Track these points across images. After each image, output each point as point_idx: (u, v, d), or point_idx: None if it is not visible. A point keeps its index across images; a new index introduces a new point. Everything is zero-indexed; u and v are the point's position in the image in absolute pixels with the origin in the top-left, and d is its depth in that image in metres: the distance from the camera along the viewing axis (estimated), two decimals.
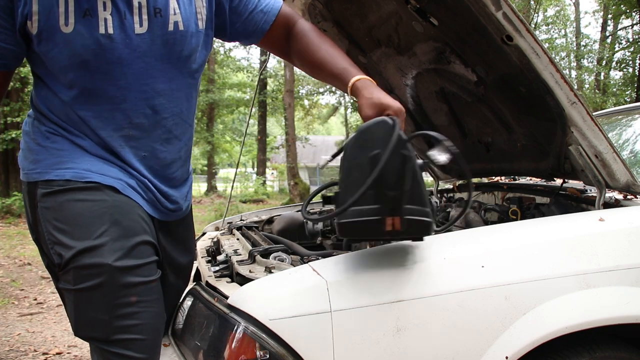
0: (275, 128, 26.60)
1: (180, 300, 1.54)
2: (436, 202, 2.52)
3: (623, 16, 16.04)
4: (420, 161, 1.10)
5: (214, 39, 1.41)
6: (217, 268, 1.55)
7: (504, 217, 1.94)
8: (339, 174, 1.12)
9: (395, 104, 1.19)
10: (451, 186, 2.62)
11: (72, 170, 1.20)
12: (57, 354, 3.10)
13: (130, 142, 1.25)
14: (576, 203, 1.72)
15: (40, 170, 1.21)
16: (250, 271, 1.37)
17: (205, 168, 19.92)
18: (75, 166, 1.20)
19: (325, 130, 41.87)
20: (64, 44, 1.14)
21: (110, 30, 1.16)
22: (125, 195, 1.23)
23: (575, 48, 19.90)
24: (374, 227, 1.06)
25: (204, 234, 2.29)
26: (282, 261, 1.42)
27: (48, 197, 1.19)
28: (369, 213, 1.05)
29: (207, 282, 1.46)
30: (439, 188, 2.63)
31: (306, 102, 22.50)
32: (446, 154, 1.07)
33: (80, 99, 1.20)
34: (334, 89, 23.71)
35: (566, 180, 1.87)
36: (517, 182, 2.40)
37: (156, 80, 1.24)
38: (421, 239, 1.14)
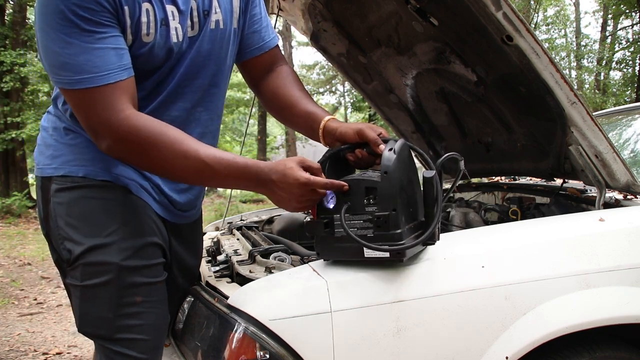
0: (275, 128, 26.60)
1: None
2: None
3: (623, 16, 16.04)
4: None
5: None
6: (217, 268, 1.55)
7: (504, 217, 1.93)
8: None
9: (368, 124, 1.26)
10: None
11: (88, 168, 1.21)
12: (57, 354, 3.11)
13: None
14: (576, 203, 1.72)
15: (56, 165, 1.22)
16: (250, 271, 1.37)
17: None
18: (91, 164, 1.21)
19: None
20: (140, 52, 1.14)
21: (180, 38, 1.18)
22: (137, 196, 1.24)
23: (575, 48, 19.90)
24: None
25: (204, 234, 2.28)
26: (282, 261, 1.42)
27: (61, 193, 1.20)
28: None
29: (207, 282, 1.46)
30: None
31: None
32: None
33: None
34: (334, 88, 23.73)
35: (566, 180, 1.87)
36: (517, 182, 2.40)
37: (197, 76, 1.26)
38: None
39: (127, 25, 1.11)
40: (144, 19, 1.12)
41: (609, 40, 17.80)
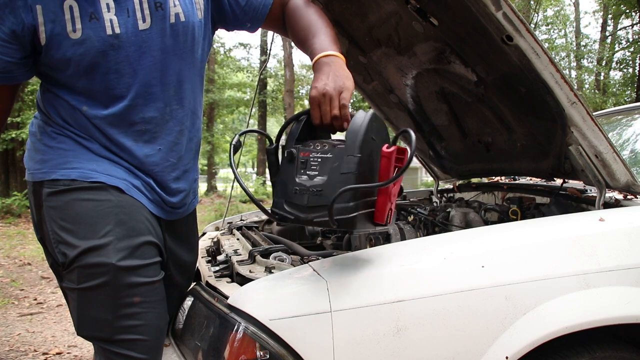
0: (275, 128, 26.59)
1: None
2: (436, 202, 2.53)
3: (623, 16, 16.03)
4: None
5: (214, 37, 1.41)
6: (217, 268, 1.55)
7: (504, 217, 1.94)
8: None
9: (322, 89, 1.13)
10: (451, 186, 2.62)
11: (78, 170, 1.20)
12: (57, 354, 3.10)
13: (144, 137, 1.25)
14: (576, 203, 1.72)
15: (46, 170, 1.21)
16: (250, 271, 1.37)
17: (205, 168, 19.94)
18: (81, 166, 1.21)
19: None
20: (73, 50, 1.14)
21: (117, 30, 1.17)
22: (130, 195, 1.23)
23: (575, 48, 19.91)
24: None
25: (204, 234, 2.29)
26: (282, 261, 1.41)
27: (53, 197, 1.20)
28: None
29: (207, 282, 1.46)
30: (439, 188, 2.64)
31: (306, 102, 22.49)
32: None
33: (91, 102, 1.21)
34: None
35: (566, 180, 1.87)
36: (517, 182, 2.40)
37: (164, 74, 1.25)
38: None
39: (38, 23, 1.11)
40: (66, 15, 1.12)
41: (609, 40, 17.80)
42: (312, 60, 1.22)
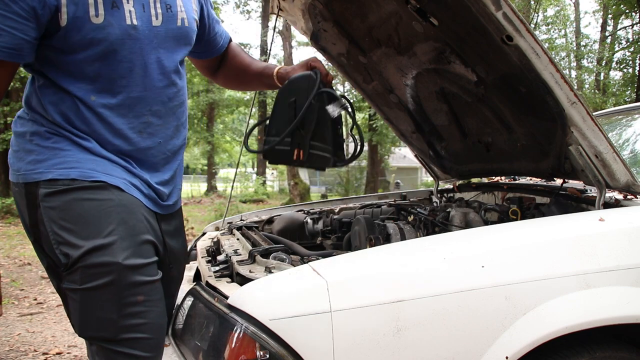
0: None
1: (180, 300, 1.54)
2: (436, 202, 2.53)
3: (623, 16, 16.02)
4: (331, 108, 1.42)
5: None
6: (217, 268, 1.55)
7: (504, 217, 1.93)
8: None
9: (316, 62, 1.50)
10: (451, 186, 2.62)
11: (78, 170, 1.20)
12: (57, 354, 3.10)
13: (148, 129, 1.29)
14: (576, 203, 1.72)
15: (42, 170, 1.21)
16: (250, 271, 1.37)
17: (205, 168, 19.94)
18: (80, 166, 1.21)
19: None
20: (94, 34, 1.17)
21: (135, 22, 1.21)
22: (129, 194, 1.24)
23: (575, 48, 19.90)
24: (285, 155, 1.46)
25: (204, 234, 2.29)
26: (282, 261, 1.41)
27: (52, 197, 1.19)
28: (283, 144, 1.45)
29: (207, 282, 1.46)
30: (439, 188, 2.64)
31: None
32: (339, 108, 1.42)
33: (100, 89, 1.23)
34: (334, 88, 23.68)
35: (566, 180, 1.87)
36: (517, 182, 2.40)
37: (169, 70, 1.31)
38: (323, 169, 1.47)
39: (61, 3, 1.13)
40: (90, 0, 1.15)
41: (609, 40, 17.80)
42: (274, 70, 1.56)
